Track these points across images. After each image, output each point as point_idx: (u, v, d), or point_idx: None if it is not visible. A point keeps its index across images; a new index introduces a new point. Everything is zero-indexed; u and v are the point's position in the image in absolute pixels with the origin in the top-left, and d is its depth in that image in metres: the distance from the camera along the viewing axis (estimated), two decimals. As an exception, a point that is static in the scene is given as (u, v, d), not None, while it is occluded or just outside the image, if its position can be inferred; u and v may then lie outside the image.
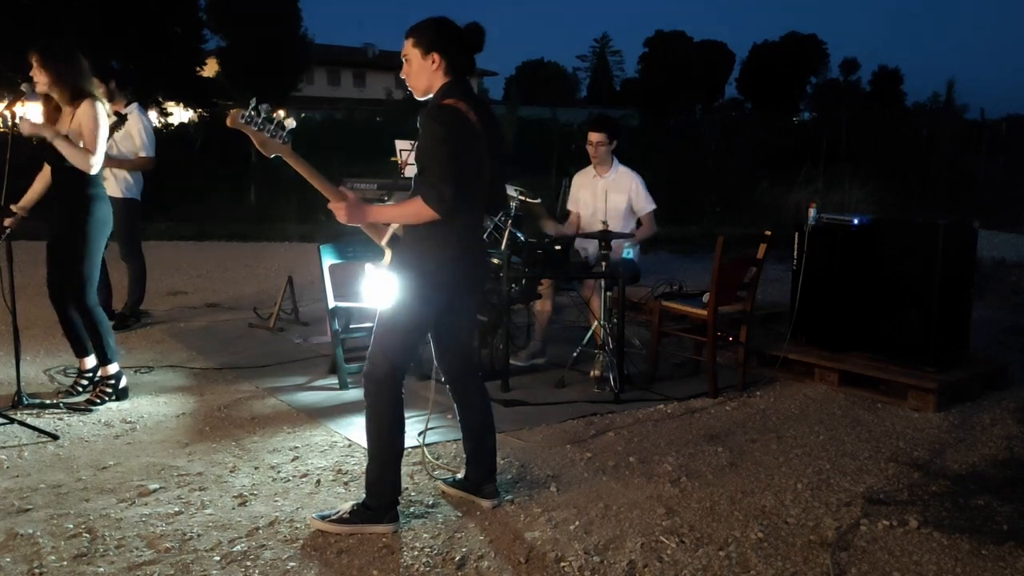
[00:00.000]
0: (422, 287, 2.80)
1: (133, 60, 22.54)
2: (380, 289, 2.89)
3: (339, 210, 2.82)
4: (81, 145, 3.98)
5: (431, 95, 2.86)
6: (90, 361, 4.35)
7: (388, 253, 2.89)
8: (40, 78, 3.99)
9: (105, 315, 4.28)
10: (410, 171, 5.43)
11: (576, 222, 5.34)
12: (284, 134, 2.67)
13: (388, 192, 5.14)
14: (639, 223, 5.35)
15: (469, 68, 2.88)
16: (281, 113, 2.74)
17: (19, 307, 4.06)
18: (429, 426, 3.78)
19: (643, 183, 5.26)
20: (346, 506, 2.93)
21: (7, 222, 4.17)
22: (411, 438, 3.27)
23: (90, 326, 4.17)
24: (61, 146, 3.93)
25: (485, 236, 4.37)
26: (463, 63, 2.86)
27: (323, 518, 2.90)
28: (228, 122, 2.60)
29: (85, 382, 4.36)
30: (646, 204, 5.25)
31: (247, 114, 2.59)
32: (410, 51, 2.84)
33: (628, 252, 4.68)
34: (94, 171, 4.03)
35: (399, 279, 2.82)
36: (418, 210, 2.71)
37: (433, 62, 2.82)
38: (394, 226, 2.90)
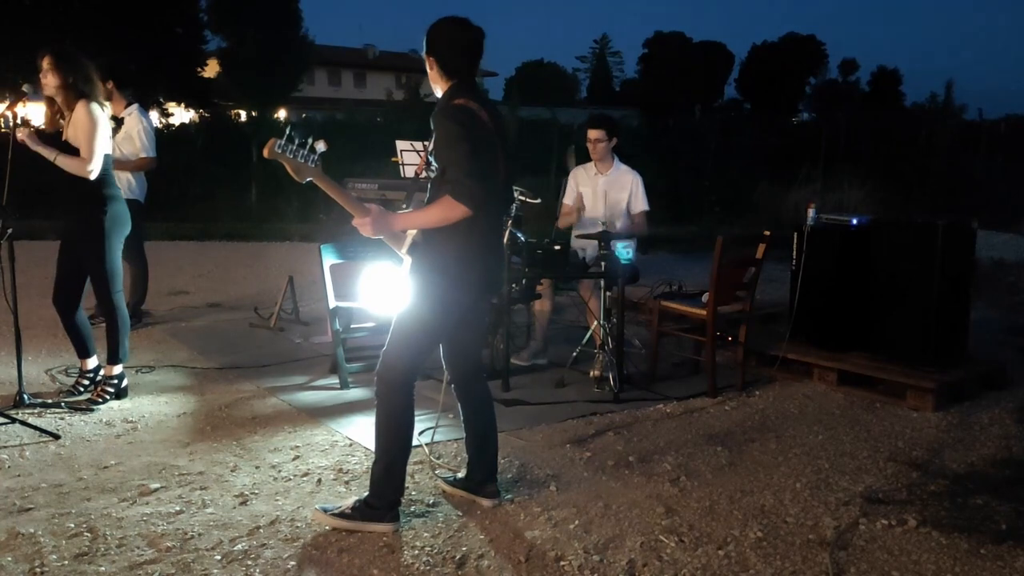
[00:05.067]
0: (445, 290, 2.81)
1: (134, 61, 22.54)
2: (398, 292, 2.89)
3: (364, 225, 2.79)
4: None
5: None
6: (92, 362, 4.37)
7: (408, 260, 2.89)
8: (48, 80, 4.01)
9: (128, 315, 4.30)
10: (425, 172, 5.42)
11: (575, 219, 5.32)
12: (315, 158, 2.70)
13: (407, 197, 5.14)
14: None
15: (464, 70, 2.85)
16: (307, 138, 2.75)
17: (21, 307, 4.07)
18: (430, 426, 3.79)
19: (642, 182, 5.27)
20: (349, 501, 2.95)
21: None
22: (413, 437, 3.27)
23: (112, 324, 4.21)
24: (62, 163, 4.00)
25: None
26: (456, 65, 2.84)
27: (326, 511, 2.92)
28: (265, 153, 2.64)
29: (87, 382, 4.37)
30: (641, 204, 5.26)
31: (282, 143, 2.63)
32: (425, 56, 2.88)
33: (627, 252, 4.68)
34: (93, 176, 4.04)
35: (420, 282, 2.82)
36: (448, 209, 2.68)
37: (431, 66, 2.86)
38: (412, 233, 2.89)
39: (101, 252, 4.10)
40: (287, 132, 2.67)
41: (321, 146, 2.72)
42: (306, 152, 2.68)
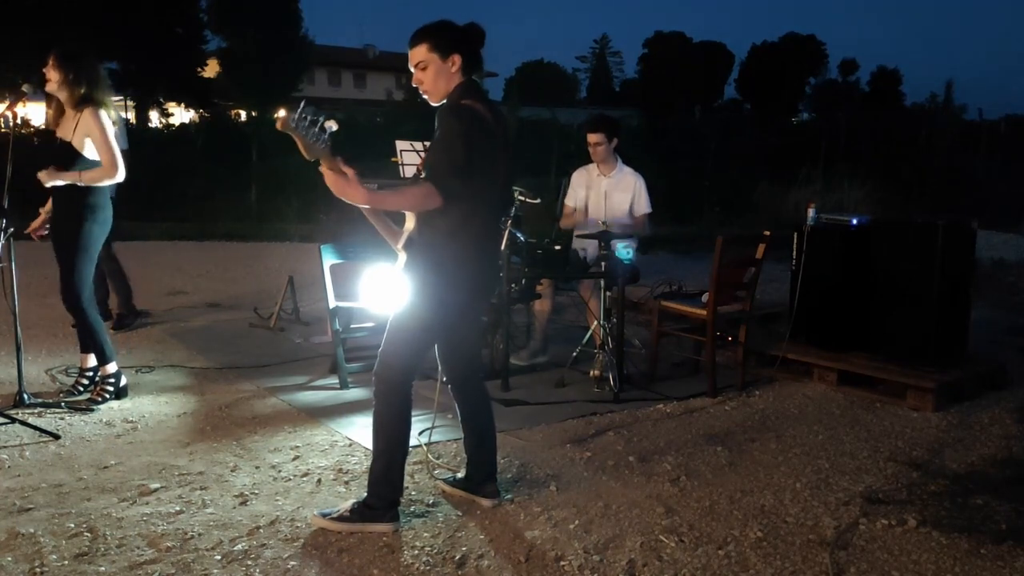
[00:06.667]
0: (440, 288, 2.80)
1: (134, 61, 22.57)
2: (394, 291, 2.89)
3: (327, 177, 2.67)
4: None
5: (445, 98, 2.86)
6: (92, 359, 4.36)
7: (403, 256, 2.89)
8: (51, 75, 4.02)
9: (99, 315, 4.29)
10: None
11: (580, 219, 5.33)
12: (326, 137, 2.69)
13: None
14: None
15: (480, 66, 2.90)
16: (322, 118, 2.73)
17: (21, 307, 4.07)
18: (429, 426, 3.79)
19: (645, 185, 5.27)
20: (347, 504, 2.94)
21: (36, 223, 4.25)
22: (412, 437, 3.27)
23: (85, 326, 4.19)
24: (89, 180, 4.02)
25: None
26: (477, 62, 2.88)
27: (324, 516, 2.92)
28: (278, 125, 2.61)
29: (86, 381, 4.37)
30: (644, 206, 5.26)
31: (295, 118, 2.61)
32: (426, 56, 2.80)
33: (627, 253, 4.68)
34: (122, 178, 4.12)
35: (416, 281, 2.82)
36: (425, 196, 2.67)
37: (453, 64, 2.81)
38: (409, 229, 2.90)
39: (77, 256, 4.08)
40: (301, 106, 2.64)
41: (332, 125, 2.71)
42: (317, 131, 2.68)
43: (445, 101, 2.84)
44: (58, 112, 4.11)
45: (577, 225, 5.26)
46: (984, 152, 15.63)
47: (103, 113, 4.04)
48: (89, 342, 4.26)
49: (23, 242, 4.13)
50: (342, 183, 2.69)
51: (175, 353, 5.30)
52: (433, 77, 2.82)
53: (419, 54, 2.82)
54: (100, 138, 4.01)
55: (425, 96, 2.89)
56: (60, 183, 3.97)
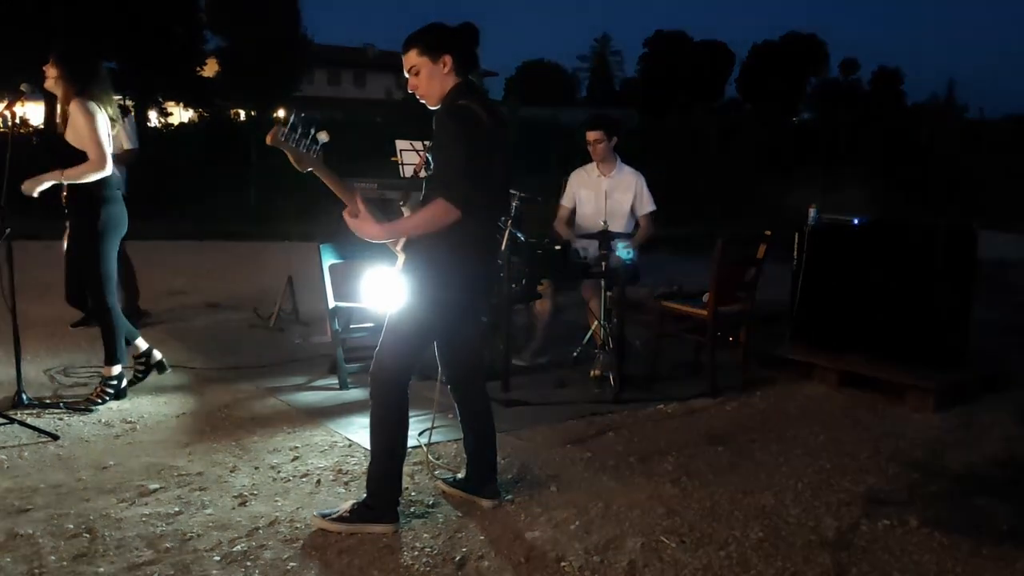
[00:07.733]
0: (436, 290, 2.80)
1: (133, 60, 22.55)
2: (392, 291, 2.89)
3: (349, 220, 2.83)
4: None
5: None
6: (141, 344, 4.39)
7: (402, 257, 2.89)
8: (50, 73, 4.02)
9: (123, 317, 4.29)
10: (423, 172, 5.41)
11: (565, 216, 5.35)
12: (317, 148, 2.69)
13: (404, 196, 5.12)
14: (637, 225, 5.34)
15: (475, 65, 2.89)
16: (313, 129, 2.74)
17: (19, 307, 4.05)
18: (429, 426, 3.78)
19: (646, 184, 5.26)
20: (346, 505, 2.94)
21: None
22: (412, 438, 3.27)
23: (106, 326, 4.19)
24: (71, 177, 3.96)
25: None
26: (471, 61, 2.87)
27: (324, 516, 2.91)
28: (268, 139, 2.62)
29: (142, 366, 4.41)
30: (648, 205, 5.25)
31: (285, 131, 2.61)
32: (417, 60, 2.81)
33: (627, 252, 4.67)
34: (108, 172, 4.02)
35: (413, 281, 2.82)
36: (440, 212, 2.68)
37: (444, 65, 2.81)
38: None
39: (95, 254, 4.08)
40: (291, 119, 2.64)
41: (323, 136, 2.71)
42: (308, 142, 2.67)
43: (441, 104, 2.83)
44: (63, 112, 4.10)
45: (573, 230, 5.26)
46: (986, 151, 15.62)
47: (92, 105, 3.98)
48: (104, 341, 4.23)
49: (22, 242, 4.12)
50: (356, 222, 2.79)
51: (174, 353, 5.29)
52: (427, 80, 2.82)
53: (411, 59, 2.83)
54: (85, 129, 3.95)
55: (423, 101, 2.88)
56: (45, 186, 3.94)
